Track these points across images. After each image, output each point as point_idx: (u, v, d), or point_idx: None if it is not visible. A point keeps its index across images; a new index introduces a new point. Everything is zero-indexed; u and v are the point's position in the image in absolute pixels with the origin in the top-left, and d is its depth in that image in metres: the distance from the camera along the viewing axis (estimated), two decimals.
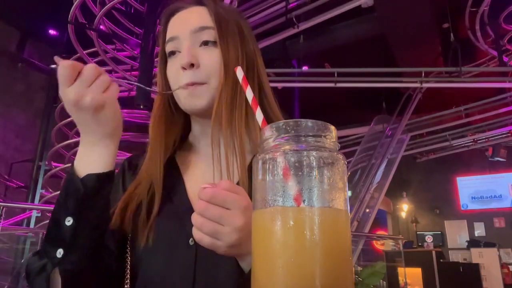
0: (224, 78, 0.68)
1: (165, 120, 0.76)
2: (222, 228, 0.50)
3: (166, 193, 0.70)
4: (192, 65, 0.69)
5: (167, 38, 0.73)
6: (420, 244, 9.12)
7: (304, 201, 0.35)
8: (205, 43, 0.70)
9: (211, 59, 0.70)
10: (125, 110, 5.06)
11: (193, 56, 0.69)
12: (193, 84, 0.69)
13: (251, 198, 0.63)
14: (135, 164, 0.79)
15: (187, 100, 0.71)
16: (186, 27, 0.71)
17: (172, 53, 0.73)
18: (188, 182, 0.74)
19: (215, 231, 0.50)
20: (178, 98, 0.72)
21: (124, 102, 5.22)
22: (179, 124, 0.79)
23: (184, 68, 0.69)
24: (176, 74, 0.71)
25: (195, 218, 0.51)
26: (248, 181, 0.65)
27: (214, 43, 0.70)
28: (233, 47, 0.71)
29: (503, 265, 7.07)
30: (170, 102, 0.76)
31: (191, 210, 0.66)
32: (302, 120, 0.37)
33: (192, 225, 0.51)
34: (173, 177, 0.73)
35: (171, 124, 0.77)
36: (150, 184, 0.70)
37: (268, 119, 0.72)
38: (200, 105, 0.70)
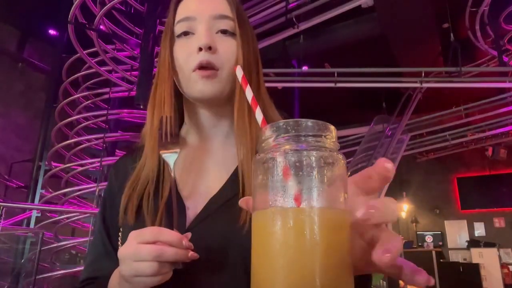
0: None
1: None
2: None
3: (155, 189, 0.68)
4: (210, 48, 0.67)
5: (181, 17, 0.71)
6: (420, 244, 9.12)
7: (304, 201, 0.35)
8: (224, 31, 0.69)
9: (229, 48, 0.68)
10: (125, 110, 5.07)
11: (212, 40, 0.67)
12: (208, 63, 0.66)
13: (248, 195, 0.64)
14: (124, 172, 0.75)
15: (198, 84, 0.67)
16: (205, 11, 0.69)
17: (185, 33, 0.70)
18: (181, 178, 0.71)
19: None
20: (187, 82, 0.69)
21: (124, 102, 5.24)
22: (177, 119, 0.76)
23: (200, 49, 0.67)
24: (189, 55, 0.68)
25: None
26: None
27: (232, 34, 0.69)
28: (248, 42, 0.71)
29: (503, 265, 7.07)
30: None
31: (183, 210, 0.66)
32: (302, 120, 0.37)
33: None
34: (164, 171, 0.70)
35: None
36: (146, 178, 0.69)
37: (268, 118, 0.70)
38: (210, 93, 0.68)
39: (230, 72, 0.67)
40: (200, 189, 0.68)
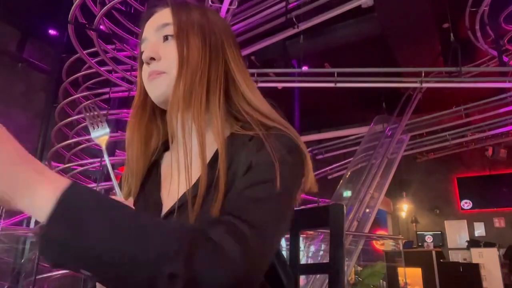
0: (181, 68, 0.70)
1: (146, 122, 0.79)
2: None
3: (144, 194, 0.75)
4: (152, 58, 0.72)
5: (140, 41, 0.79)
6: (420, 244, 9.12)
7: None
8: (166, 37, 0.73)
9: (170, 51, 0.72)
10: (125, 110, 5.07)
11: (153, 51, 0.72)
12: (153, 72, 0.72)
13: (211, 188, 0.64)
14: None
15: (149, 91, 0.74)
16: (151, 27, 0.76)
17: (142, 53, 0.77)
18: (163, 180, 0.77)
19: None
20: (149, 91, 0.75)
21: (124, 102, 5.23)
22: (161, 128, 0.81)
23: (147, 63, 0.73)
24: (144, 70, 0.75)
25: None
26: (208, 174, 0.64)
27: (173, 37, 0.73)
28: (193, 38, 0.72)
29: (503, 265, 7.06)
30: (149, 104, 0.78)
31: (159, 208, 0.70)
32: None
33: None
34: (153, 176, 0.78)
35: (151, 126, 0.80)
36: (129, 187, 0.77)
37: (238, 112, 0.73)
38: (160, 93, 0.72)
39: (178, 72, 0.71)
40: (173, 189, 0.70)
